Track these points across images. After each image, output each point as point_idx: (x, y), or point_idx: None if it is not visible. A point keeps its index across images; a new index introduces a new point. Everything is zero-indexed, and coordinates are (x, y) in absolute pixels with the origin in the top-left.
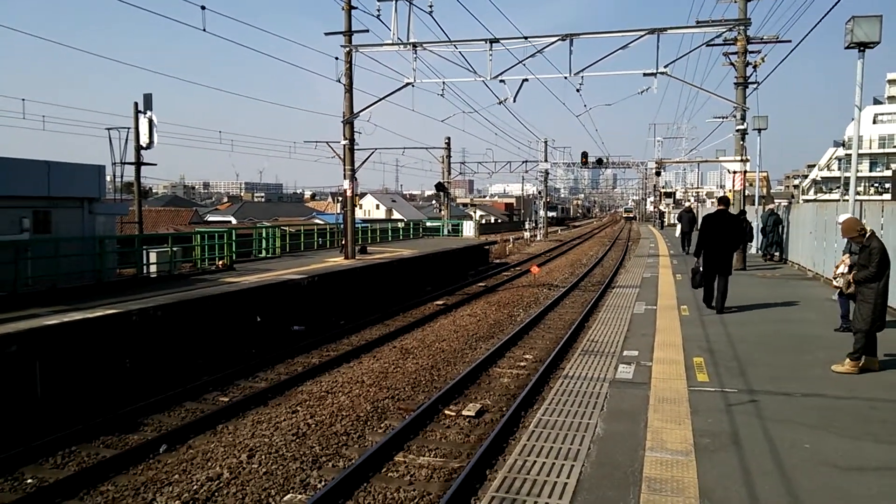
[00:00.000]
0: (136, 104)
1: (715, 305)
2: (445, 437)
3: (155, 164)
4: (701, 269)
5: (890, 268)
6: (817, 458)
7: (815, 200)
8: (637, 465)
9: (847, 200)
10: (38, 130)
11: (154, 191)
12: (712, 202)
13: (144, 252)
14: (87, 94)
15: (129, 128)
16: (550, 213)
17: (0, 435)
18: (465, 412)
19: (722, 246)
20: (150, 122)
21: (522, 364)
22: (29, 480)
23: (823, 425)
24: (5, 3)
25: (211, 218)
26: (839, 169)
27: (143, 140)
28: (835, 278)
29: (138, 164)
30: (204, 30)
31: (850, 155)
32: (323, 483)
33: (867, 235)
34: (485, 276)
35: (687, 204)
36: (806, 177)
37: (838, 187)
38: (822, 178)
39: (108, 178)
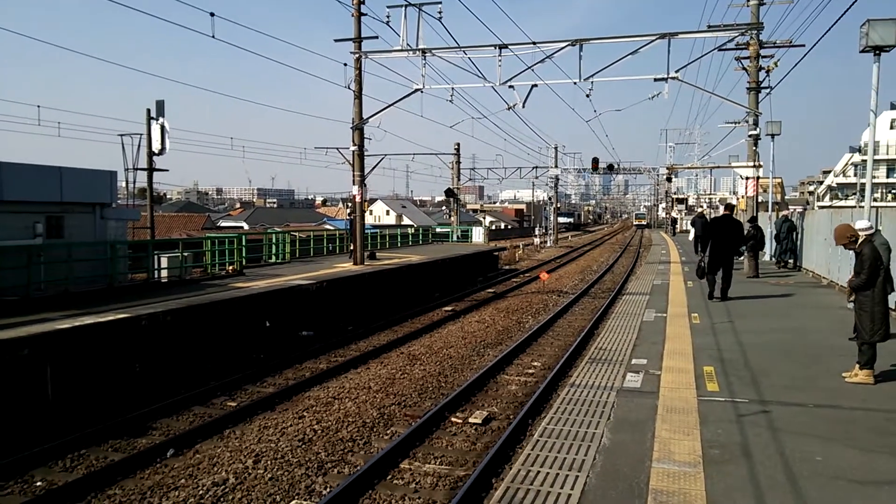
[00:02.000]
0: (148, 111)
1: (718, 296)
2: (451, 444)
3: (167, 171)
4: (706, 261)
5: (882, 275)
6: (830, 471)
7: (830, 207)
8: (643, 477)
9: (863, 207)
10: (52, 137)
11: (168, 196)
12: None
13: (156, 257)
14: (100, 102)
15: (141, 134)
16: (566, 220)
17: (12, 437)
18: (471, 419)
19: (725, 244)
20: (163, 128)
21: (530, 371)
22: (38, 483)
23: (837, 437)
24: (17, 9)
25: (224, 223)
26: (855, 175)
27: (156, 146)
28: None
29: (150, 169)
30: (213, 36)
31: (866, 161)
32: (328, 489)
33: (859, 242)
34: (494, 283)
35: (700, 210)
36: (821, 183)
37: (854, 193)
38: (837, 184)
39: (121, 184)
